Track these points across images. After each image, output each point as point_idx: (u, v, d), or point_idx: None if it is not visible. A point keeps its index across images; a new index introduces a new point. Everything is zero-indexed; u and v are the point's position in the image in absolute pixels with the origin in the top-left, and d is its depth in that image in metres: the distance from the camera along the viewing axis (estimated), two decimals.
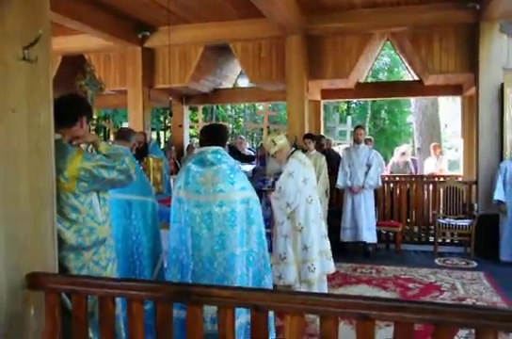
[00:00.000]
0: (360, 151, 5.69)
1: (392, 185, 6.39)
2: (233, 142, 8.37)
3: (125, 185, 2.00)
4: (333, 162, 6.25)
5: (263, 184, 4.85)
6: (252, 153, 8.21)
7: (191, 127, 14.60)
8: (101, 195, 1.92)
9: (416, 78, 7.24)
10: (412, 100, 12.46)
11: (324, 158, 5.42)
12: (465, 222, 5.60)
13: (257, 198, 2.72)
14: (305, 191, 3.56)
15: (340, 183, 5.67)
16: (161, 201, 3.41)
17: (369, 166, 5.60)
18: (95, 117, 4.34)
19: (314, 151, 5.50)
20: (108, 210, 1.96)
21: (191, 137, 15.76)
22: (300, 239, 3.56)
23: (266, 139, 3.72)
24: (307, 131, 6.18)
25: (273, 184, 4.58)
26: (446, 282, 4.41)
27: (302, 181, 3.55)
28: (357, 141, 5.76)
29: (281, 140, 3.65)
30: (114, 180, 1.89)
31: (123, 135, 3.03)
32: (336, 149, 8.46)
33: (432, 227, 6.04)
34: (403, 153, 7.60)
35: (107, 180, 1.87)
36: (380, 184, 5.70)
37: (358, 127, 5.96)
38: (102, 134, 20.91)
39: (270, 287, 2.58)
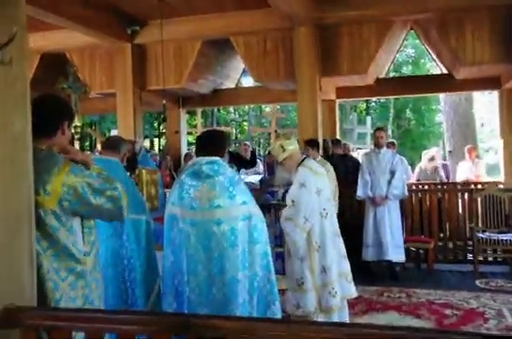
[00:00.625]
0: (382, 156, 5.66)
1: (420, 194, 6.34)
2: (237, 149, 8.39)
3: (112, 219, 1.87)
4: (352, 169, 6.23)
5: (271, 196, 4.84)
6: (259, 161, 8.21)
7: (189, 133, 14.71)
8: (85, 223, 1.83)
9: (445, 71, 7.23)
10: (441, 96, 12.43)
11: (328, 164, 5.37)
12: (509, 236, 5.53)
13: (261, 213, 2.71)
14: (319, 204, 3.55)
15: (360, 193, 5.63)
16: (156, 218, 3.42)
17: (393, 173, 5.56)
18: (79, 124, 4.39)
19: (319, 157, 5.48)
20: (94, 239, 1.86)
21: (189, 144, 15.88)
22: (318, 260, 3.53)
23: (275, 144, 3.73)
24: (320, 135, 6.18)
25: (283, 196, 4.56)
26: (490, 308, 4.33)
27: (315, 192, 3.53)
28: (378, 145, 5.73)
29: (291, 146, 3.65)
30: (101, 208, 1.77)
31: (112, 144, 3.05)
32: (355, 154, 8.45)
33: (470, 243, 5.97)
34: (432, 158, 7.56)
35: (94, 206, 1.76)
36: (406, 193, 5.65)
37: (378, 129, 5.95)
38: (87, 143, 21.12)
39: (278, 317, 2.57)
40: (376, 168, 5.62)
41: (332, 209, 3.71)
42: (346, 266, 3.67)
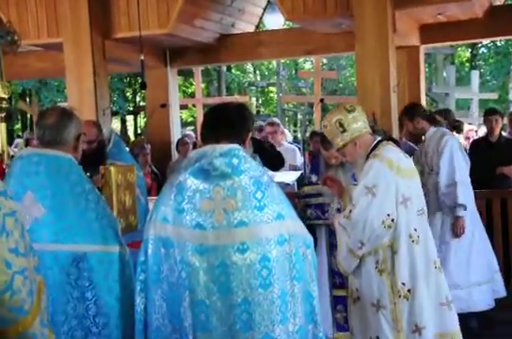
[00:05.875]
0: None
1: None
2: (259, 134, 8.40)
3: None
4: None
5: (319, 212, 4.83)
6: (296, 149, 8.24)
7: (184, 107, 14.81)
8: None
9: None
10: None
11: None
12: None
13: (306, 232, 2.75)
14: (405, 222, 3.57)
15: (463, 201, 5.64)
16: (133, 243, 3.49)
17: None
18: (4, 95, 4.45)
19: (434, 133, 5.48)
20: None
21: (184, 125, 15.83)
22: (408, 313, 3.56)
23: (327, 120, 3.73)
24: (394, 104, 6.19)
25: (339, 211, 4.57)
26: None
27: (400, 202, 3.55)
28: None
29: (356, 123, 3.65)
30: None
31: (53, 128, 3.07)
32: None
33: None
34: None
35: None
36: None
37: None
38: (19, 125, 21.50)
39: None
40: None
41: (427, 228, 3.73)
42: (452, 320, 3.67)
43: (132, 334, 2.91)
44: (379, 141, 3.71)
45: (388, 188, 3.53)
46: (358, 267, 3.65)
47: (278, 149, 7.79)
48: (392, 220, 3.52)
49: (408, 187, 3.60)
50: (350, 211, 3.59)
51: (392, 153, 3.64)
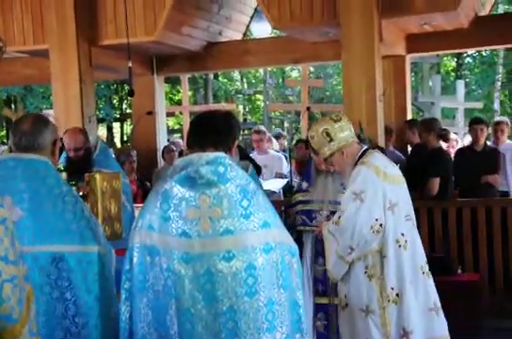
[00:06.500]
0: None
1: None
2: (246, 141, 8.42)
3: None
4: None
5: (307, 218, 4.84)
6: (282, 157, 8.25)
7: (170, 115, 14.79)
8: None
9: None
10: None
11: None
12: None
13: (291, 241, 2.74)
14: (393, 227, 3.60)
15: None
16: (118, 251, 3.48)
17: None
18: None
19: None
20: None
21: (171, 132, 15.89)
22: (396, 317, 3.58)
23: (315, 130, 3.78)
24: (380, 113, 6.21)
25: (328, 218, 4.58)
26: None
27: (388, 208, 3.59)
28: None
29: (343, 132, 3.70)
30: None
31: (28, 134, 3.08)
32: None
33: None
34: None
35: None
36: None
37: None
38: (3, 132, 21.39)
39: None
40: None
41: (415, 233, 3.75)
42: (440, 326, 3.69)
43: (111, 334, 2.93)
44: (366, 150, 3.76)
45: (375, 194, 3.57)
46: (347, 273, 3.68)
47: (263, 157, 7.85)
48: (381, 225, 3.56)
49: (394, 193, 3.64)
50: (339, 217, 3.63)
51: (378, 160, 3.70)
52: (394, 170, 3.77)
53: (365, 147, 3.80)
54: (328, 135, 3.67)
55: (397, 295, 3.58)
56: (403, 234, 3.62)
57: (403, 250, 3.61)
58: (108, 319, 2.96)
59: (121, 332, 2.78)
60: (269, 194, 6.00)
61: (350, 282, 3.68)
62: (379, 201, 3.57)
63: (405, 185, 3.79)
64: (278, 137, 8.22)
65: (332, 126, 3.68)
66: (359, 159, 3.68)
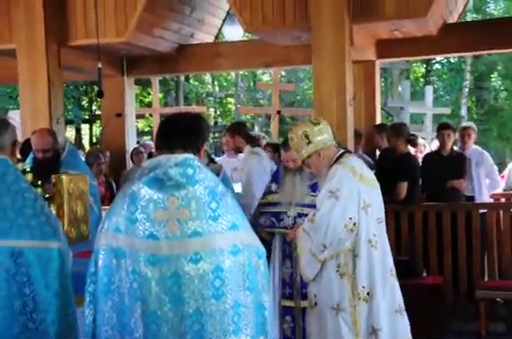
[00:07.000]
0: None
1: None
2: (217, 144, 8.41)
3: None
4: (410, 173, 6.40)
5: (275, 220, 4.86)
6: None
7: (141, 117, 14.68)
8: None
9: None
10: None
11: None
12: None
13: (259, 243, 2.75)
14: (366, 226, 3.65)
15: None
16: (85, 253, 3.46)
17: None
18: None
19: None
20: None
21: (141, 134, 15.78)
22: (366, 316, 3.63)
23: (294, 133, 3.83)
24: (350, 117, 6.27)
25: (295, 220, 4.62)
26: None
27: (362, 208, 3.64)
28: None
29: (321, 135, 3.76)
30: None
31: None
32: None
33: None
34: None
35: None
36: None
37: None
38: None
39: None
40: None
41: (385, 237, 3.80)
42: (405, 328, 3.75)
43: (67, 331, 2.93)
44: (343, 153, 3.81)
45: (351, 193, 3.63)
46: (318, 272, 3.72)
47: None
48: (354, 224, 3.61)
49: (369, 195, 3.70)
50: (314, 215, 3.68)
51: (355, 162, 3.78)
52: (370, 174, 3.84)
53: (342, 150, 3.86)
54: (306, 137, 3.73)
55: (368, 293, 3.63)
56: (374, 235, 3.68)
57: (374, 250, 3.66)
58: (66, 316, 2.95)
59: (84, 336, 2.77)
60: (238, 197, 6.00)
61: (321, 281, 3.71)
62: (354, 200, 3.63)
63: (379, 190, 3.86)
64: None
65: (311, 129, 3.75)
66: (335, 161, 3.73)
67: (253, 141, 6.61)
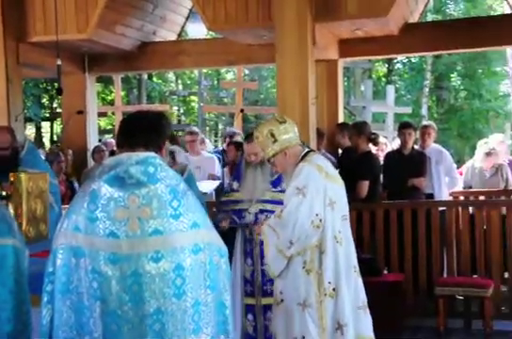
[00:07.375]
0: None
1: (471, 209, 6.52)
2: (180, 142, 8.40)
3: None
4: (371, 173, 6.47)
5: (237, 217, 4.87)
6: (215, 158, 8.26)
7: (102, 115, 14.57)
8: None
9: None
10: (510, 52, 12.68)
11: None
12: None
13: (221, 242, 2.76)
14: (332, 223, 3.70)
15: None
16: (39, 253, 3.43)
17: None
18: None
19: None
20: None
21: (103, 132, 15.65)
22: (332, 311, 3.68)
23: (260, 131, 3.86)
24: (313, 116, 6.29)
25: (256, 217, 4.63)
26: None
27: (328, 204, 3.69)
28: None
29: (287, 134, 3.80)
30: None
31: None
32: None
33: None
34: (491, 151, 7.75)
35: None
36: None
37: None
38: None
39: None
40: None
41: (349, 234, 3.85)
42: (367, 325, 3.80)
43: (22, 329, 2.88)
44: (308, 152, 3.86)
45: (317, 190, 3.67)
46: (284, 268, 3.75)
47: (196, 158, 7.84)
48: (320, 221, 3.66)
49: (334, 192, 3.76)
50: (282, 211, 3.72)
51: (320, 160, 3.83)
52: (334, 172, 3.90)
53: (307, 149, 3.90)
54: (272, 135, 3.76)
55: (334, 289, 3.68)
56: (340, 232, 3.73)
57: (339, 246, 3.72)
58: (21, 314, 2.90)
59: (40, 336, 2.73)
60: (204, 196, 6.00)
61: (287, 278, 3.75)
62: (320, 196, 3.68)
63: (343, 188, 3.90)
64: (232, 136, 8.21)
65: (277, 127, 3.78)
66: (301, 160, 3.77)
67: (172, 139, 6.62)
